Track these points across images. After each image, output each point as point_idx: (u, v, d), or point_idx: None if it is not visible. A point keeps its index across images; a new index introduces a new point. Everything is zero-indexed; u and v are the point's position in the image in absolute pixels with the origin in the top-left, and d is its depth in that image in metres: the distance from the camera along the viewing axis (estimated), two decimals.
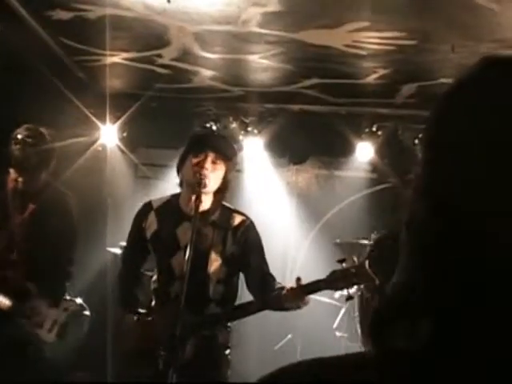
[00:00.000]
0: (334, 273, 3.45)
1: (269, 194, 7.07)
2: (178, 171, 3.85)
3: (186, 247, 3.69)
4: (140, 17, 4.65)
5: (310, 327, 6.01)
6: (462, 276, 0.76)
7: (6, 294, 4.47)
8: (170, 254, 3.81)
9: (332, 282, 3.45)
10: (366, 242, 5.90)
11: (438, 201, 0.79)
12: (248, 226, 3.85)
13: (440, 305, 0.78)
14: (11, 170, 4.62)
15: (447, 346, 0.76)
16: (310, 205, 7.01)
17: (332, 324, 5.55)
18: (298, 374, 0.89)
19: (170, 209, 3.90)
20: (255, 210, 6.76)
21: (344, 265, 3.46)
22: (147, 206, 3.99)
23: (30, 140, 4.54)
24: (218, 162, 3.73)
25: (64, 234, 4.81)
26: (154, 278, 3.98)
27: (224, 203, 3.90)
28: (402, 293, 0.82)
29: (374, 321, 0.84)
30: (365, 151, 6.53)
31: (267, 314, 5.67)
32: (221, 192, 3.81)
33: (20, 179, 4.60)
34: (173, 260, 3.79)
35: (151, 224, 3.91)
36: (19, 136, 4.54)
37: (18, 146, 4.52)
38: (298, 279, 3.52)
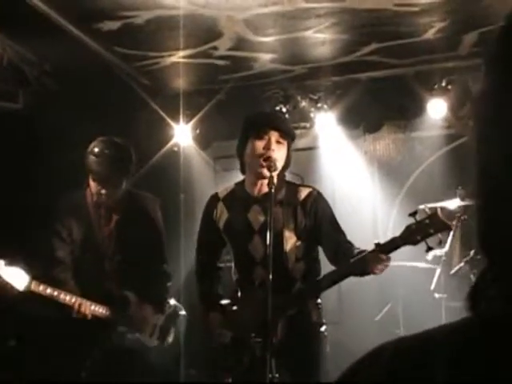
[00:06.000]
0: (408, 228, 3.40)
1: (349, 167, 7.01)
2: (240, 157, 3.87)
3: (260, 231, 3.73)
4: (187, 13, 4.69)
5: (408, 293, 5.94)
6: None
7: (105, 304, 4.57)
8: (246, 240, 3.82)
9: (408, 236, 3.39)
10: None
11: None
12: (316, 198, 3.82)
13: None
14: (92, 184, 4.58)
15: None
16: (392, 171, 6.92)
17: (429, 287, 5.45)
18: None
19: (237, 196, 3.92)
20: (337, 184, 6.78)
21: (417, 217, 3.42)
22: (214, 198, 4.02)
23: (107, 152, 4.50)
24: (281, 140, 3.73)
25: (153, 237, 4.87)
26: (233, 268, 4.01)
27: (287, 180, 3.90)
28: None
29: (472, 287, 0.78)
30: (438, 108, 6.38)
31: (363, 288, 5.67)
32: (283, 170, 3.81)
33: (103, 192, 4.56)
34: (250, 245, 3.81)
35: (221, 214, 3.94)
36: (96, 149, 4.51)
37: (96, 159, 4.49)
38: (377, 244, 3.50)
